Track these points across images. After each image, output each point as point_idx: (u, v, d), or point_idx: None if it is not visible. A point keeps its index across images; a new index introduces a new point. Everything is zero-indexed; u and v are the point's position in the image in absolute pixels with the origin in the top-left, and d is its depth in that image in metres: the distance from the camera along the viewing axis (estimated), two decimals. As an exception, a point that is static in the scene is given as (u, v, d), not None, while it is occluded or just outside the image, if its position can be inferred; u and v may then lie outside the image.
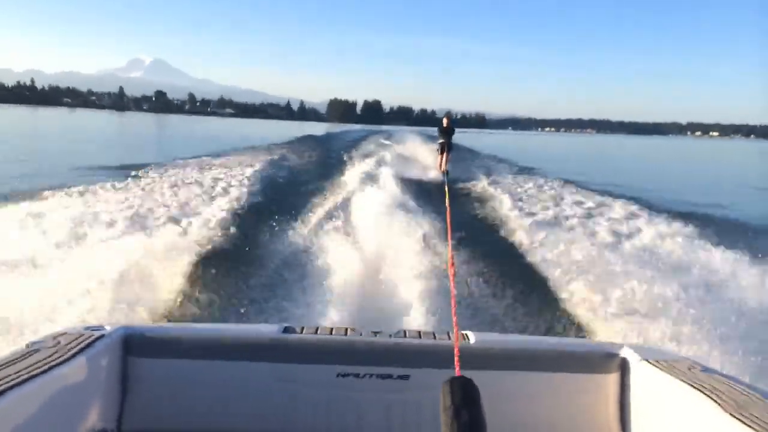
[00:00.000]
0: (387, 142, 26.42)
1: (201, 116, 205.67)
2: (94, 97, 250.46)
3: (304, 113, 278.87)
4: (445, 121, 15.82)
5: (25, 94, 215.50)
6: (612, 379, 1.89)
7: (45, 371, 1.44)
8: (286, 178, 13.91)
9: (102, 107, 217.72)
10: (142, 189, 10.07)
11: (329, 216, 8.42)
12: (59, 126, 57.49)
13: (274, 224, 7.81)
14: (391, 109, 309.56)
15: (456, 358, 1.12)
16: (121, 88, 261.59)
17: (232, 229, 7.07)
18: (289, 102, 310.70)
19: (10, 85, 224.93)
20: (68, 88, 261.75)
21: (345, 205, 9.32)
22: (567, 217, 9.47)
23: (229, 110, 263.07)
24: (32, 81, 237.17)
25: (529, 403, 1.88)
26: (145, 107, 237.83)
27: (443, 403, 0.99)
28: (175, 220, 7.22)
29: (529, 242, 7.45)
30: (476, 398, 0.99)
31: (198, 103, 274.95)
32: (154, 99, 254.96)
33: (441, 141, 15.28)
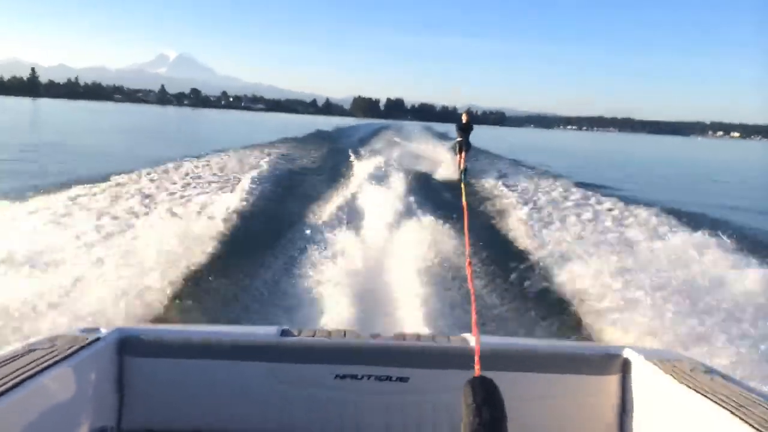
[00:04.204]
0: (397, 139, 26.78)
1: (236, 111, 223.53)
2: (140, 94, 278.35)
3: (330, 109, 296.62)
4: (464, 117, 15.04)
5: (77, 91, 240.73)
6: (614, 380, 1.90)
7: (41, 372, 1.44)
8: (291, 177, 13.66)
9: (147, 102, 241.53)
10: (145, 185, 9.98)
11: (333, 216, 8.42)
12: (138, 118, 66.62)
13: (275, 225, 7.82)
14: (413, 106, 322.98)
15: (476, 357, 1.13)
16: (162, 86, 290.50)
17: (231, 230, 6.95)
18: (315, 99, 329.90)
19: (61, 82, 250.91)
20: (114, 85, 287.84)
21: (350, 205, 9.26)
22: (572, 217, 9.41)
23: (260, 106, 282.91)
24: (78, 79, 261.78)
25: (531, 404, 1.87)
26: (186, 103, 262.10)
27: (465, 401, 0.99)
28: (177, 219, 7.15)
29: (535, 243, 7.33)
30: (499, 398, 0.99)
31: (231, 99, 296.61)
32: (192, 96, 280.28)
33: (458, 139, 14.63)
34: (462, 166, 14.06)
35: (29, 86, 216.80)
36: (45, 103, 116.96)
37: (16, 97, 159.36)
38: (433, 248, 6.17)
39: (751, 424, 1.36)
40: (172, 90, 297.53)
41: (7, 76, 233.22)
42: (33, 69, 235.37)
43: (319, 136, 31.16)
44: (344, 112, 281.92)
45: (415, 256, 5.86)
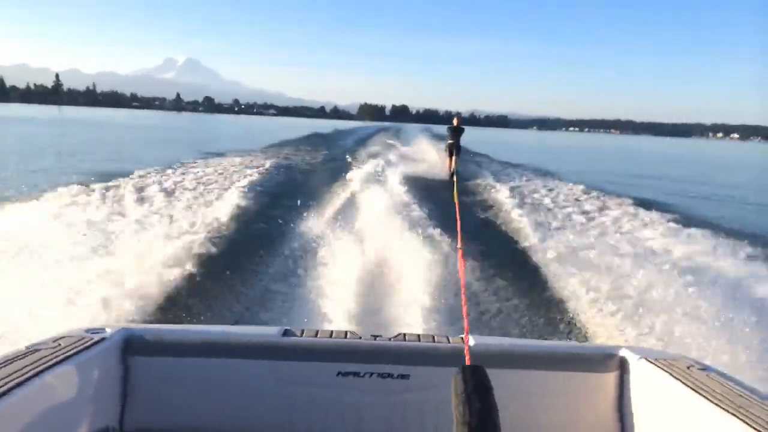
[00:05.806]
0: (392, 141, 27.34)
1: (250, 115, 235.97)
2: (156, 102, 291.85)
3: (338, 114, 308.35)
4: (455, 121, 15.74)
5: (96, 98, 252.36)
6: (610, 379, 1.90)
7: (45, 371, 1.45)
8: (291, 179, 13.78)
9: (164, 109, 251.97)
10: (147, 187, 10.08)
11: (332, 217, 8.51)
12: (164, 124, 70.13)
13: (277, 225, 7.86)
14: (418, 112, 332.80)
15: (466, 348, 1.13)
16: (178, 94, 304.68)
17: (235, 231, 7.08)
18: (323, 106, 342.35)
19: (81, 90, 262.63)
20: (130, 94, 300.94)
21: (349, 206, 9.36)
22: (572, 219, 9.41)
23: (272, 111, 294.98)
24: (95, 86, 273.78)
25: (527, 403, 1.88)
26: (200, 109, 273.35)
27: (455, 390, 0.98)
28: (178, 221, 7.23)
29: (533, 243, 7.36)
30: (488, 385, 0.98)
31: (243, 106, 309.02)
32: (206, 103, 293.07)
33: (450, 142, 15.26)
34: (453, 167, 14.64)
35: (52, 93, 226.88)
36: (84, 111, 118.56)
37: (45, 106, 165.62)
38: (430, 247, 6.31)
39: (748, 423, 1.37)
40: (183, 95, 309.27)
41: (18, 82, 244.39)
42: (57, 76, 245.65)
43: (318, 141, 32.98)
44: (351, 117, 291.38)
45: (412, 255, 6.00)
